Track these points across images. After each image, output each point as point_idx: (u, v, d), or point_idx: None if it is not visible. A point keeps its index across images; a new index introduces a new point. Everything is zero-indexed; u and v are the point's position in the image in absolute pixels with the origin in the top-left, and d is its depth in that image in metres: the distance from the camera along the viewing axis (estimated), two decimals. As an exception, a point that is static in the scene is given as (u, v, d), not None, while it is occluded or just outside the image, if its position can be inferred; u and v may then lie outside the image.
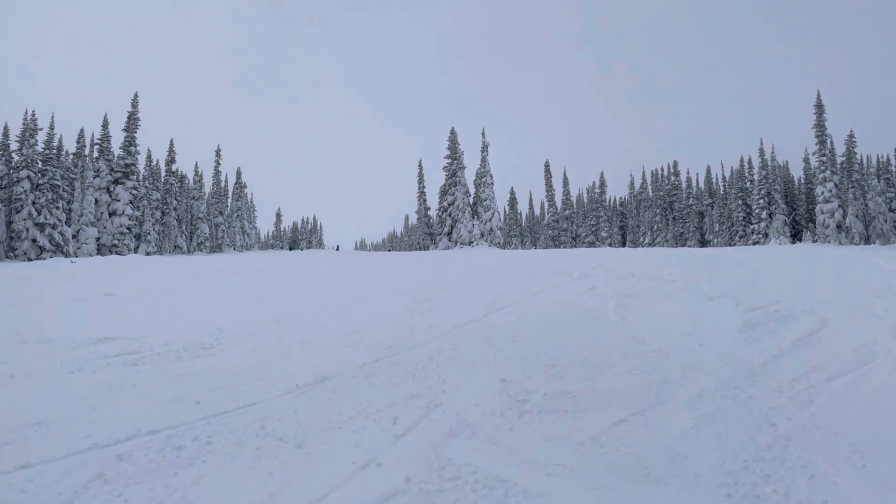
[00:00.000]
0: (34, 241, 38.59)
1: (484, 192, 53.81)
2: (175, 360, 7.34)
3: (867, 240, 44.68)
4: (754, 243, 53.24)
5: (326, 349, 7.92)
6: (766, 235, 53.68)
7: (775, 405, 5.17)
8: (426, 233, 57.71)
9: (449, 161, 54.36)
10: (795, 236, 55.19)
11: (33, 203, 38.92)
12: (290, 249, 43.83)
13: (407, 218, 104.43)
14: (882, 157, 51.11)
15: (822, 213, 46.26)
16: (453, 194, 53.59)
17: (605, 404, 5.37)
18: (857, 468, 3.91)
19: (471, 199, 54.17)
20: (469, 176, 55.56)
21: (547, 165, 66.84)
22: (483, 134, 54.83)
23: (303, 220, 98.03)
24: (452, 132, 54.46)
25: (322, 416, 5.21)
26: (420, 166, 58.34)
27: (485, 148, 54.46)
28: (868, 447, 4.22)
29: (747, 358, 6.82)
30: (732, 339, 7.79)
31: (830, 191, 46.00)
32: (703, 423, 4.81)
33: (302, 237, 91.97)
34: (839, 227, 45.43)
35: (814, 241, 47.85)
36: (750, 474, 3.87)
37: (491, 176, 54.35)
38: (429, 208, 58.40)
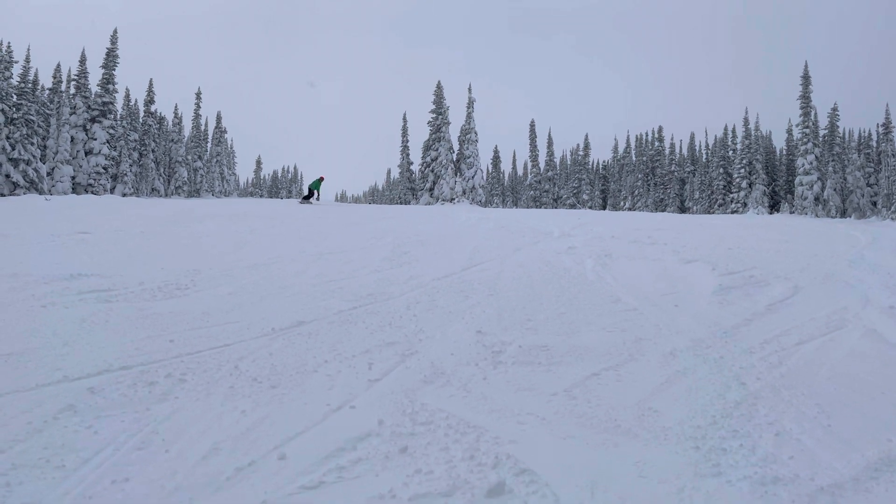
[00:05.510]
0: (7, 176, 37.75)
1: (468, 148, 53.34)
2: (150, 298, 7.26)
3: (843, 213, 45.19)
4: (733, 212, 53.60)
5: (303, 295, 7.88)
6: (745, 205, 54.06)
7: (746, 365, 5.25)
8: (408, 188, 57.25)
9: (434, 116, 53.66)
10: (773, 207, 55.64)
11: (7, 138, 37.95)
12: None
13: (389, 172, 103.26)
14: (864, 132, 51.48)
15: (802, 184, 46.55)
16: (437, 150, 53.04)
17: (579, 358, 5.42)
18: (823, 427, 3.99)
19: (454, 156, 53.74)
20: (454, 132, 55.03)
21: (532, 125, 66.25)
22: (469, 90, 54.12)
23: (283, 168, 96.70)
24: (438, 86, 53.64)
25: (297, 359, 5.21)
26: (405, 119, 57.54)
27: (470, 104, 53.78)
28: (834, 408, 4.31)
29: (720, 320, 6.90)
30: (707, 302, 7.87)
31: (811, 163, 46.23)
32: (674, 380, 4.88)
33: (282, 186, 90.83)
34: (817, 199, 45.84)
35: (791, 213, 48.30)
36: (718, 429, 3.94)
37: (476, 133, 53.77)
38: (412, 163, 57.82)
